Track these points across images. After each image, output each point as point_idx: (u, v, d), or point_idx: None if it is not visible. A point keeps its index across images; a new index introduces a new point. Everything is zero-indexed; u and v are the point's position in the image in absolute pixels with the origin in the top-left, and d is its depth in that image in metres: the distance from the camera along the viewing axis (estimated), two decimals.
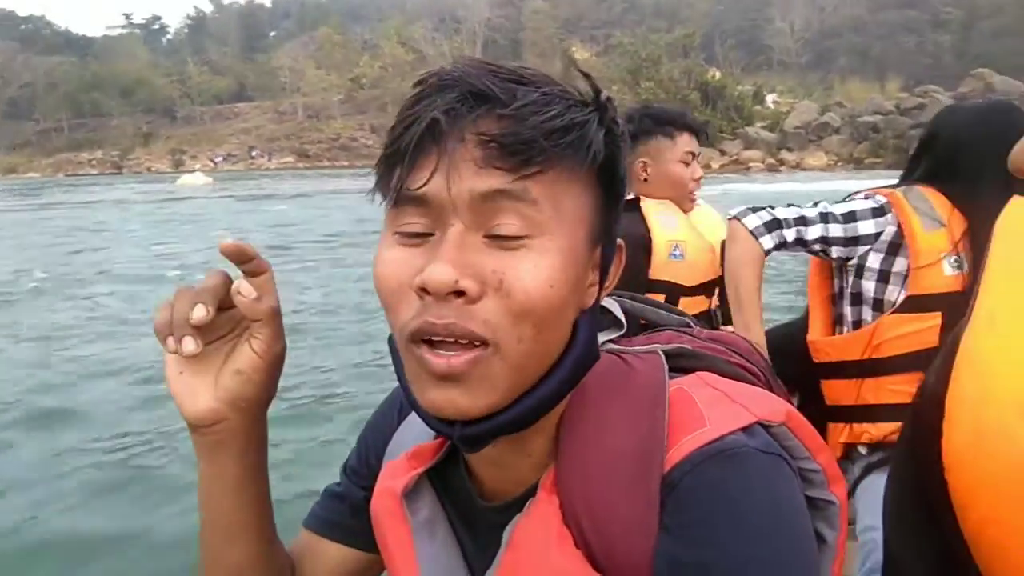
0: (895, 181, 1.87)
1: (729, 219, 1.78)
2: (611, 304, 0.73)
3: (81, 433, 4.69)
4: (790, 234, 1.72)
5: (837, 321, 1.86)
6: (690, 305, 2.14)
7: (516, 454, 0.62)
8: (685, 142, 2.21)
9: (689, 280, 2.16)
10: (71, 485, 3.96)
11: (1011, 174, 1.81)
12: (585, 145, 0.55)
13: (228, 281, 0.66)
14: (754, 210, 1.75)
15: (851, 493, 1.78)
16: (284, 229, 15.83)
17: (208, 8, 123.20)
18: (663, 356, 0.65)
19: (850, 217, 1.71)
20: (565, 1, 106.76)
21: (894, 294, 1.70)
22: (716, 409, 0.58)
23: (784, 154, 44.17)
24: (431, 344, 0.54)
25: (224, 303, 0.65)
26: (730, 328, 1.88)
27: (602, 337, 0.70)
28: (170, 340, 0.63)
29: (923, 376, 0.59)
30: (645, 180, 2.22)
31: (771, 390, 0.68)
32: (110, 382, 5.69)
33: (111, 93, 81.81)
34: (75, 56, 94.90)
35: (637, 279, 2.05)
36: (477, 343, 0.53)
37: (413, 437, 0.73)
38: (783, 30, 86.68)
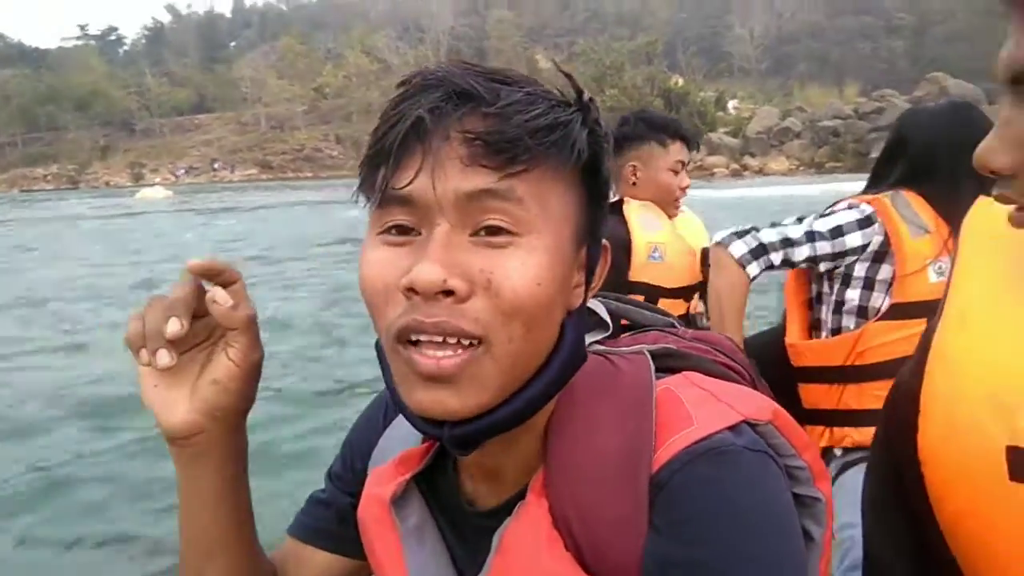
0: (857, 184, 1.85)
1: (714, 245, 1.76)
2: (596, 305, 0.73)
3: (19, 451, 4.46)
4: (776, 257, 1.71)
5: (814, 326, 1.85)
6: (669, 308, 2.09)
7: (505, 456, 0.62)
8: (677, 150, 2.22)
9: (668, 282, 2.16)
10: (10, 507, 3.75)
11: (983, 175, 1.80)
12: (569, 144, 0.56)
13: (200, 290, 0.65)
14: (738, 235, 1.72)
15: None
16: (238, 242, 15.45)
17: (166, 18, 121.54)
18: (649, 356, 0.65)
19: (837, 232, 1.69)
20: (529, 9, 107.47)
21: (878, 301, 1.70)
22: (703, 408, 0.58)
23: (747, 159, 44.83)
24: (418, 344, 0.54)
25: (197, 311, 0.64)
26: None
27: (588, 338, 0.70)
28: (143, 353, 0.62)
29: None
30: (634, 184, 2.23)
31: (756, 388, 0.69)
32: (50, 401, 5.40)
33: (66, 106, 79.84)
34: (28, 68, 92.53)
35: (617, 280, 2.04)
36: (467, 342, 0.53)
37: (399, 441, 0.72)
38: (743, 37, 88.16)
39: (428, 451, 0.69)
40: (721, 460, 0.54)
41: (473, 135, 0.53)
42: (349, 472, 0.78)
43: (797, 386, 1.82)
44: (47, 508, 3.71)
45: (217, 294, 0.64)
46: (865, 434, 1.68)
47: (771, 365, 1.75)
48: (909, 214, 1.67)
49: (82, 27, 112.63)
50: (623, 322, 0.77)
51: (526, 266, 0.54)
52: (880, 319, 1.68)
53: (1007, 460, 0.49)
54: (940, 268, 1.64)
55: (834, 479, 1.71)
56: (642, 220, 2.17)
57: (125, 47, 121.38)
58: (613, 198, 2.19)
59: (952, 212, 1.61)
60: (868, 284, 1.72)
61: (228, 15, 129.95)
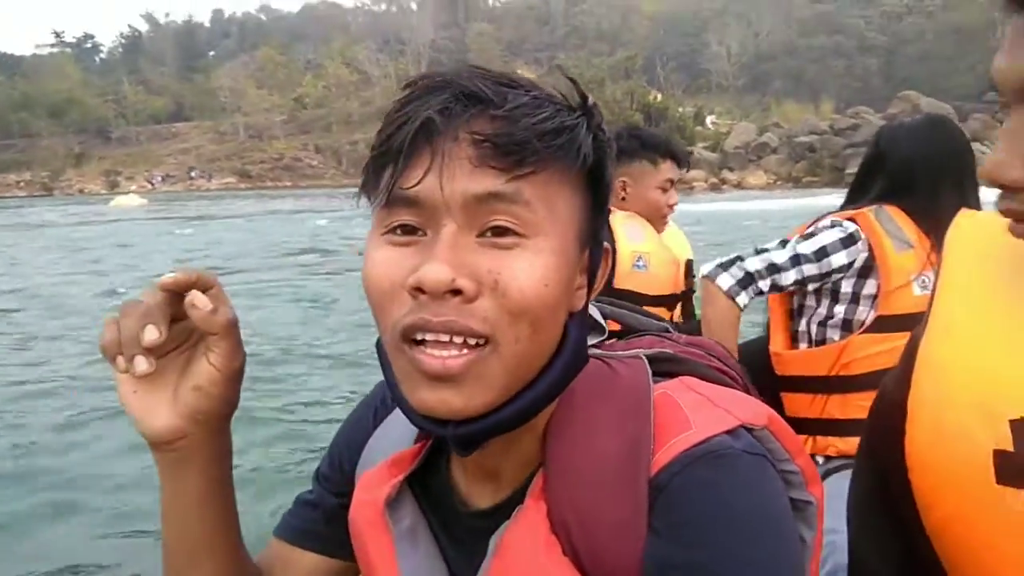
0: (833, 198, 1.88)
1: (702, 278, 1.79)
2: (591, 309, 0.72)
3: None
4: (764, 284, 1.73)
5: (795, 337, 1.87)
6: None
7: (505, 456, 0.62)
8: (667, 169, 2.28)
9: (651, 290, 2.21)
10: None
11: (964, 187, 1.81)
12: (575, 148, 0.56)
13: (176, 294, 0.63)
14: (723, 267, 1.74)
15: None
16: (205, 251, 15.25)
17: (143, 27, 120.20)
18: (646, 361, 0.65)
19: (822, 253, 1.70)
20: (509, 24, 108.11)
21: (864, 314, 1.72)
22: (701, 412, 0.58)
23: (726, 173, 45.28)
24: (422, 343, 0.54)
25: (175, 315, 0.63)
26: None
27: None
28: (120, 360, 0.61)
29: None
30: (623, 199, 2.28)
31: (748, 394, 0.69)
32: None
33: (40, 113, 78.57)
34: (2, 75, 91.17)
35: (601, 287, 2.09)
36: (474, 342, 0.53)
37: (390, 442, 0.71)
38: (720, 54, 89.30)
39: (419, 451, 0.69)
40: (720, 463, 0.55)
41: (482, 137, 0.53)
42: (337, 472, 0.78)
43: (780, 394, 1.84)
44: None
45: (196, 298, 0.62)
46: (850, 443, 1.68)
47: (753, 373, 1.80)
48: (893, 228, 1.69)
49: (57, 34, 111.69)
50: (612, 325, 0.77)
51: (533, 267, 0.54)
52: (865, 331, 1.70)
53: (994, 464, 0.50)
54: (924, 282, 1.65)
55: None
56: (627, 230, 2.21)
57: (101, 55, 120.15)
58: None
59: (933, 226, 1.65)
60: (854, 299, 1.73)
61: (207, 24, 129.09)
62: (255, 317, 7.94)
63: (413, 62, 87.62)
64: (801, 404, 1.79)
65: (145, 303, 0.61)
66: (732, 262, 1.74)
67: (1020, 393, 0.50)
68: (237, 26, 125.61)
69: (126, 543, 3.31)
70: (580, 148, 0.56)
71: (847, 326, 1.75)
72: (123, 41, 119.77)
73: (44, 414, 5.08)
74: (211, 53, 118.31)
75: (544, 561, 0.57)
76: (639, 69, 68.52)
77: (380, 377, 0.66)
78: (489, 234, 0.54)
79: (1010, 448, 0.49)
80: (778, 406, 1.82)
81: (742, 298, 1.72)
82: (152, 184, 68.08)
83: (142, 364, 0.60)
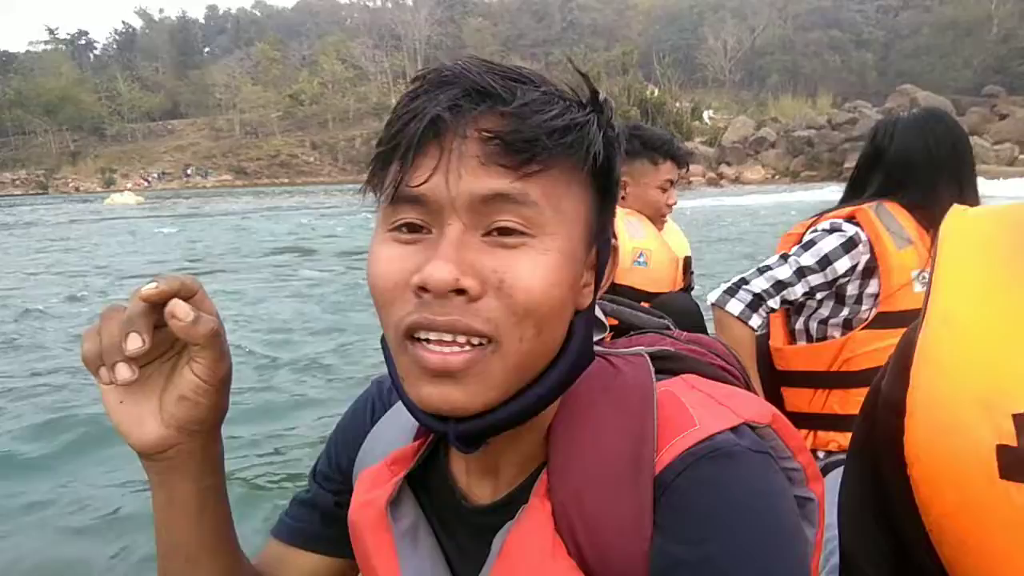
0: (831, 192, 1.91)
1: (711, 305, 1.78)
2: None
3: None
4: (774, 303, 1.73)
5: (793, 333, 1.87)
6: None
7: (507, 453, 0.62)
8: (667, 170, 2.26)
9: (651, 287, 2.20)
10: None
11: (963, 181, 1.73)
12: (585, 146, 0.55)
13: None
14: (730, 292, 1.74)
15: None
16: (195, 247, 15.14)
17: (138, 23, 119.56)
18: (648, 358, 0.65)
19: (825, 262, 1.70)
20: (505, 19, 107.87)
21: (866, 313, 1.72)
22: (705, 410, 0.58)
23: (723, 168, 45.18)
24: (426, 342, 0.54)
25: (158, 321, 0.60)
26: None
27: None
28: (103, 371, 0.59)
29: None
30: (623, 197, 2.27)
31: (748, 390, 0.69)
32: None
33: (35, 110, 78.37)
34: None
35: None
36: (477, 340, 0.53)
37: (388, 439, 0.71)
38: (716, 49, 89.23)
39: (419, 449, 0.68)
40: (725, 461, 0.55)
41: (491, 134, 0.52)
42: (335, 471, 0.77)
43: (780, 389, 1.84)
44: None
45: (177, 308, 0.59)
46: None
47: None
48: (893, 226, 1.68)
49: (51, 31, 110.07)
50: (610, 322, 0.76)
51: (539, 267, 0.53)
52: (866, 327, 1.70)
53: (997, 459, 0.50)
54: (924, 278, 1.64)
55: None
56: (627, 226, 2.21)
57: (96, 52, 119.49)
58: None
59: (932, 221, 1.64)
60: (858, 299, 1.73)
61: (201, 21, 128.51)
62: (248, 313, 7.86)
63: (409, 58, 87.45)
64: (802, 399, 1.80)
65: (127, 309, 0.59)
66: (738, 286, 1.73)
67: (1023, 387, 0.50)
68: (232, 22, 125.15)
69: (119, 549, 3.23)
70: (590, 146, 0.55)
71: (848, 325, 1.75)
72: (118, 38, 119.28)
73: (27, 416, 4.99)
74: (206, 49, 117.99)
75: (548, 562, 0.56)
76: (635, 64, 68.43)
77: (374, 374, 0.63)
78: (495, 233, 0.53)
79: (1014, 443, 0.49)
80: (778, 401, 1.82)
81: (754, 320, 1.72)
82: (147, 181, 67.96)
83: (124, 371, 0.58)
